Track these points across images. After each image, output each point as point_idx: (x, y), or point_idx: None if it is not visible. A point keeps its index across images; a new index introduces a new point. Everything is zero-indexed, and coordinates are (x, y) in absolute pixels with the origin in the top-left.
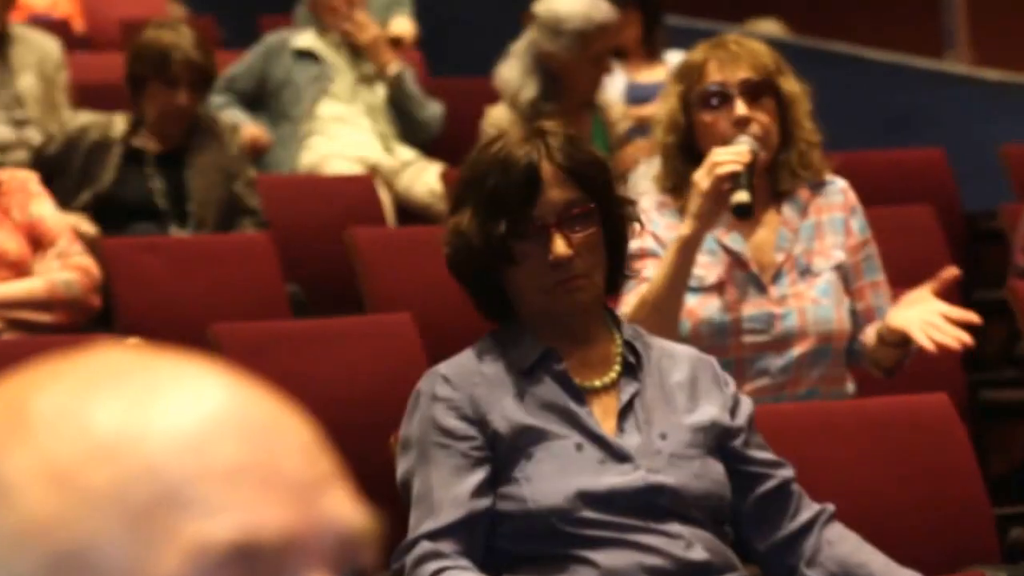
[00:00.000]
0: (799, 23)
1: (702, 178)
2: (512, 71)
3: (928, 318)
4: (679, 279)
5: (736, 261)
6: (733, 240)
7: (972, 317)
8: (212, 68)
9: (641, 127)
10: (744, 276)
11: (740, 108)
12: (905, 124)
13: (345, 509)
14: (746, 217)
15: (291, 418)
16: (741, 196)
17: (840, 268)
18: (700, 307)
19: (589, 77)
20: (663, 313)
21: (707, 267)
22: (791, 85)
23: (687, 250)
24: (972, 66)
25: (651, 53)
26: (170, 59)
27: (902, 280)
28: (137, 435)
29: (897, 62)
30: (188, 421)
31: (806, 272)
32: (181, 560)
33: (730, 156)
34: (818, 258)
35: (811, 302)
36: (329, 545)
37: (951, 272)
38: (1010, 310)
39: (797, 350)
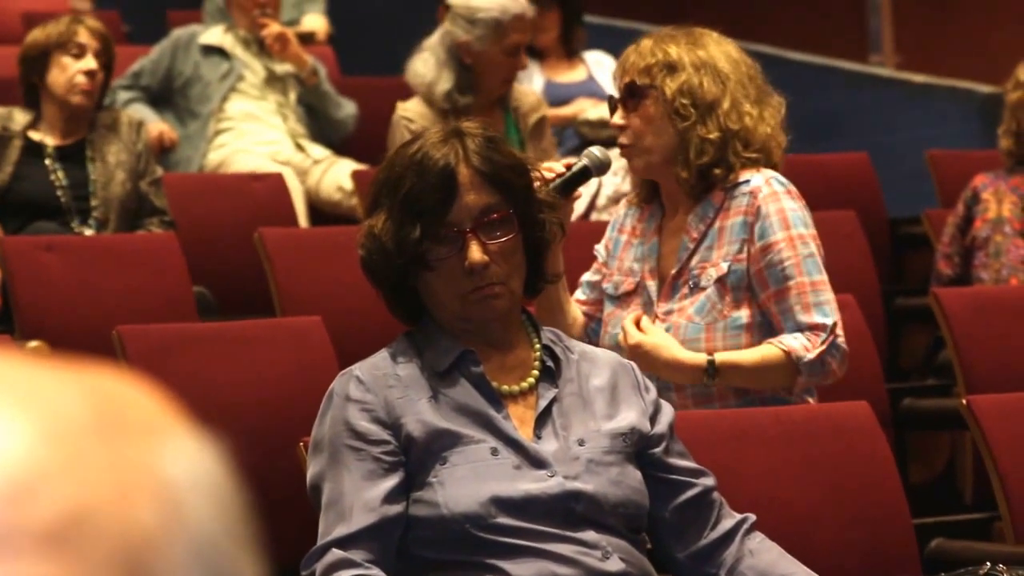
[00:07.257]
0: (721, 23)
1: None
2: (426, 65)
3: None
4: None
5: (646, 272)
6: (650, 249)
7: None
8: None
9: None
10: (645, 287)
11: (616, 117)
12: (829, 127)
13: None
14: (565, 195)
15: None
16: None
17: (723, 281)
18: (610, 316)
19: (503, 70)
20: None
21: (627, 275)
22: (680, 83)
23: None
24: (897, 69)
25: (570, 53)
26: (75, 32)
27: None
28: None
29: (822, 64)
30: None
31: (695, 287)
32: None
33: (548, 167)
34: (711, 269)
35: (686, 319)
36: None
37: None
38: (933, 318)
39: None
